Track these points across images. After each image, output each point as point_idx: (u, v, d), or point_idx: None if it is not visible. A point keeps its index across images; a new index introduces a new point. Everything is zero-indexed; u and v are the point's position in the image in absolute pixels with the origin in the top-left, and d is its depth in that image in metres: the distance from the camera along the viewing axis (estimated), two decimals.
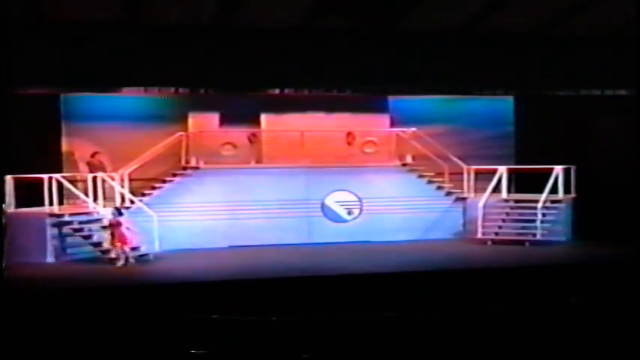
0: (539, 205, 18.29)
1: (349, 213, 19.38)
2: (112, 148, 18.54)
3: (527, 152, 19.92)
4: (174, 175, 18.65)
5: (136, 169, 18.26)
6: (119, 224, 15.93)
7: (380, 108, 20.10)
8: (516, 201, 19.09)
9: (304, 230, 18.89)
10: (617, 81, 18.94)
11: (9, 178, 16.44)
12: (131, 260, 15.95)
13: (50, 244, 16.26)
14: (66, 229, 16.54)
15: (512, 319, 10.68)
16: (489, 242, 18.45)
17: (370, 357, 9.60)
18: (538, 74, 19.62)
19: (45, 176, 16.38)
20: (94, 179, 17.53)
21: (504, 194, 19.32)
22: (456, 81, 19.20)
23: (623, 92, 18.78)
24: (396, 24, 18.64)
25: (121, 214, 16.36)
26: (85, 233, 16.56)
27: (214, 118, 19.39)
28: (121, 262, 15.75)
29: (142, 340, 9.85)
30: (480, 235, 18.66)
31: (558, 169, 18.45)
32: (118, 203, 17.62)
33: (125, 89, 18.32)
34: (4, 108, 16.26)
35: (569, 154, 18.58)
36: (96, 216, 16.98)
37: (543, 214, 18.32)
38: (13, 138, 16.54)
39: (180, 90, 18.73)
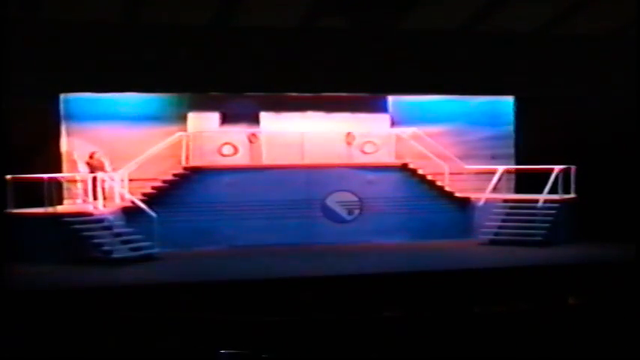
0: (539, 205, 18.30)
1: (349, 213, 19.39)
2: (111, 148, 18.51)
3: (527, 152, 19.92)
4: (175, 175, 18.65)
5: (135, 169, 18.26)
6: None
7: (380, 108, 20.10)
8: (516, 201, 19.10)
9: (305, 230, 18.89)
10: (616, 81, 18.94)
11: (9, 178, 16.45)
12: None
13: (50, 245, 16.22)
14: (65, 230, 16.51)
15: (512, 319, 10.68)
16: (489, 242, 18.44)
17: (370, 357, 9.59)
18: (538, 74, 19.64)
19: (45, 176, 16.37)
20: (94, 179, 17.54)
21: (504, 194, 19.35)
22: (456, 81, 19.21)
23: (622, 92, 18.76)
24: (396, 24, 18.64)
25: None
26: (85, 234, 16.52)
27: (214, 118, 19.38)
28: None
29: (142, 340, 9.84)
30: (479, 236, 18.66)
31: (558, 169, 18.45)
32: (117, 203, 17.65)
33: (125, 89, 18.32)
34: (3, 108, 16.32)
35: (569, 154, 18.57)
36: (96, 216, 16.96)
37: (543, 215, 18.32)
38: (13, 138, 16.60)
39: (180, 89, 18.74)
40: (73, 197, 18.27)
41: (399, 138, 20.02)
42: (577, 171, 18.70)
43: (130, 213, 17.52)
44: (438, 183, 19.81)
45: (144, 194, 18.14)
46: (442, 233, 19.24)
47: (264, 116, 19.53)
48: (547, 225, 18.20)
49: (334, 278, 14.41)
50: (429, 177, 19.76)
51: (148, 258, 16.57)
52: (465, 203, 19.69)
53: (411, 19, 18.31)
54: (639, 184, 18.43)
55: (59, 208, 16.96)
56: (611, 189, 18.57)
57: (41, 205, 16.39)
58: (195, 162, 18.89)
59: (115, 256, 16.05)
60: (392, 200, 19.40)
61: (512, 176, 20.18)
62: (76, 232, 16.35)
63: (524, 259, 16.25)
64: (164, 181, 18.53)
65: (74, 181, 18.23)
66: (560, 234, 18.24)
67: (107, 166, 18.17)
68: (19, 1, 16.51)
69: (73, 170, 18.33)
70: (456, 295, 13.31)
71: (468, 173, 19.94)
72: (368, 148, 19.93)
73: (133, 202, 17.56)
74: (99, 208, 17.18)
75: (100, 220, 16.80)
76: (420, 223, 19.34)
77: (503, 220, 18.83)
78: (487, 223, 18.74)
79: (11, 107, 16.49)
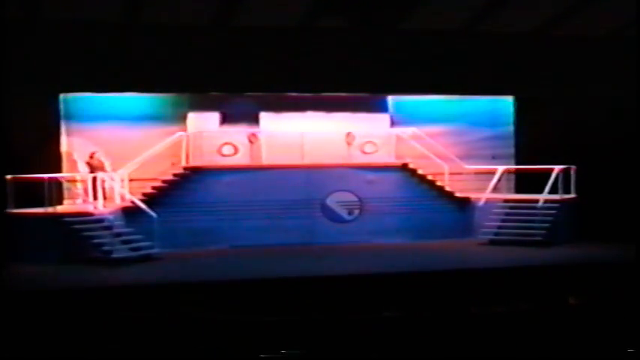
0: (539, 205, 18.31)
1: (349, 213, 19.39)
2: (111, 148, 18.52)
3: (527, 152, 19.92)
4: (175, 175, 18.64)
5: (135, 169, 18.26)
6: None
7: (380, 108, 20.11)
8: (516, 201, 19.09)
9: (305, 230, 18.89)
10: (616, 81, 18.95)
11: (9, 178, 16.45)
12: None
13: (50, 245, 16.22)
14: (65, 230, 16.49)
15: (512, 319, 10.68)
16: (489, 242, 18.44)
17: (370, 357, 9.60)
18: (538, 74, 19.65)
19: (45, 176, 16.37)
20: (94, 179, 17.54)
21: (504, 194, 19.36)
22: (456, 81, 19.22)
23: (622, 92, 18.78)
24: (396, 24, 18.65)
25: None
26: (85, 234, 16.51)
27: (214, 118, 19.38)
28: None
29: (142, 340, 9.85)
30: (479, 236, 18.65)
31: (558, 169, 18.45)
32: (117, 203, 17.66)
33: (125, 89, 18.32)
34: (4, 108, 16.32)
35: (569, 154, 18.57)
36: (96, 216, 16.95)
37: (543, 215, 18.32)
38: (13, 138, 16.61)
39: (180, 89, 18.74)
40: (73, 197, 18.27)
41: (399, 138, 20.02)
42: (577, 171, 18.69)
43: (130, 213, 17.51)
44: (438, 183, 19.80)
45: (144, 194, 18.13)
46: (442, 233, 19.24)
47: (264, 116, 19.53)
48: (547, 225, 18.19)
49: (334, 278, 14.40)
50: (429, 177, 19.75)
51: (148, 258, 16.56)
52: (465, 203, 19.69)
53: (411, 19, 18.32)
54: (639, 184, 18.44)
55: (59, 208, 16.95)
56: (611, 189, 18.57)
57: (41, 205, 16.38)
58: (195, 162, 18.89)
59: (115, 256, 16.04)
60: (392, 200, 19.40)
61: (512, 176, 20.18)
62: (76, 232, 16.33)
63: (524, 259, 16.24)
64: (164, 181, 18.53)
65: (74, 181, 18.22)
66: (560, 234, 18.23)
67: (107, 166, 18.17)
68: (19, 1, 16.53)
69: (73, 170, 18.33)
70: (456, 295, 13.31)
71: (468, 173, 19.94)
72: (368, 148, 19.92)
73: (133, 202, 17.55)
74: (99, 208, 17.17)
75: (100, 220, 16.79)
76: (420, 223, 19.33)
77: (503, 220, 18.81)
78: (487, 223, 18.73)
79: (11, 107, 16.50)
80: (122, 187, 17.91)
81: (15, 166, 16.40)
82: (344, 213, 19.38)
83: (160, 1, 17.13)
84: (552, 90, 19.57)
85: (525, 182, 19.44)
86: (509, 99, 20.82)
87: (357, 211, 19.42)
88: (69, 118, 18.64)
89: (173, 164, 18.91)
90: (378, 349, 9.63)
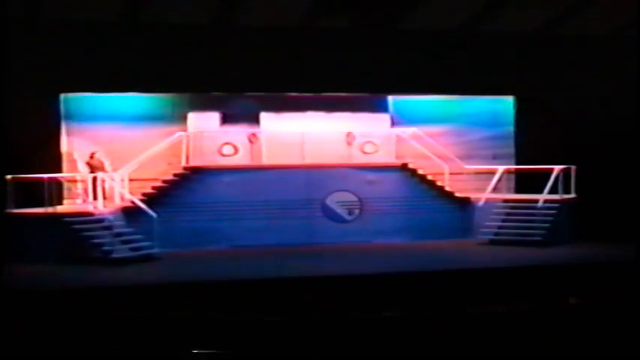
0: (539, 205, 18.31)
1: (350, 213, 19.39)
2: (111, 148, 18.53)
3: (527, 152, 19.92)
4: (175, 175, 18.65)
5: (135, 169, 18.26)
6: None
7: (380, 108, 20.11)
8: (516, 201, 19.09)
9: (305, 230, 18.89)
10: (616, 81, 18.95)
11: (9, 178, 16.45)
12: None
13: (50, 245, 16.21)
14: (65, 230, 16.49)
15: (512, 319, 10.68)
16: (489, 242, 18.44)
17: (370, 357, 9.60)
18: (538, 74, 19.65)
19: (45, 176, 16.37)
20: (94, 179, 17.55)
21: (504, 194, 19.36)
22: (456, 81, 19.22)
23: (622, 92, 18.77)
24: (396, 24, 18.66)
25: None
26: (85, 234, 16.51)
27: (214, 118, 19.39)
28: None
29: (142, 340, 9.85)
30: (479, 236, 18.66)
31: (558, 169, 18.45)
32: (117, 203, 17.66)
33: (125, 89, 18.33)
34: (4, 108, 16.32)
35: (569, 154, 18.57)
36: (96, 216, 16.94)
37: (543, 215, 18.32)
38: (13, 138, 16.60)
39: (180, 89, 18.74)
40: (73, 197, 18.27)
41: (399, 138, 20.02)
42: (577, 171, 18.69)
43: (130, 213, 17.51)
44: (438, 183, 19.80)
45: (144, 194, 18.13)
46: (442, 233, 19.23)
47: (265, 116, 19.53)
48: (547, 225, 18.20)
49: (334, 278, 14.41)
50: (429, 177, 19.76)
51: (148, 258, 16.56)
52: (465, 203, 19.69)
53: (411, 19, 18.33)
54: (639, 184, 18.44)
55: (59, 208, 16.95)
56: (611, 189, 18.57)
57: (41, 205, 16.38)
58: (195, 162, 18.89)
59: (115, 256, 16.04)
60: (392, 200, 19.40)
61: (513, 176, 20.18)
62: (76, 232, 16.32)
63: (524, 259, 16.24)
64: (164, 181, 18.53)
65: (74, 181, 18.23)
66: (560, 234, 18.22)
67: (107, 166, 18.18)
68: (20, 1, 16.55)
69: (73, 170, 18.34)
70: (456, 295, 13.31)
71: (468, 173, 19.95)
72: (368, 148, 19.92)
73: (133, 202, 17.54)
74: (99, 208, 17.18)
75: (100, 220, 16.79)
76: (420, 223, 19.33)
77: (503, 220, 18.82)
78: (487, 223, 18.74)
79: (11, 107, 16.50)
80: (122, 187, 17.91)
81: (15, 166, 16.39)
82: (344, 213, 19.39)
83: (159, 1, 17.13)
84: (552, 90, 19.57)
85: (525, 182, 19.44)
86: (509, 99, 20.83)
87: (357, 211, 19.43)
88: (69, 118, 18.65)
89: (169, 164, 18.90)
90: (378, 349, 9.64)
